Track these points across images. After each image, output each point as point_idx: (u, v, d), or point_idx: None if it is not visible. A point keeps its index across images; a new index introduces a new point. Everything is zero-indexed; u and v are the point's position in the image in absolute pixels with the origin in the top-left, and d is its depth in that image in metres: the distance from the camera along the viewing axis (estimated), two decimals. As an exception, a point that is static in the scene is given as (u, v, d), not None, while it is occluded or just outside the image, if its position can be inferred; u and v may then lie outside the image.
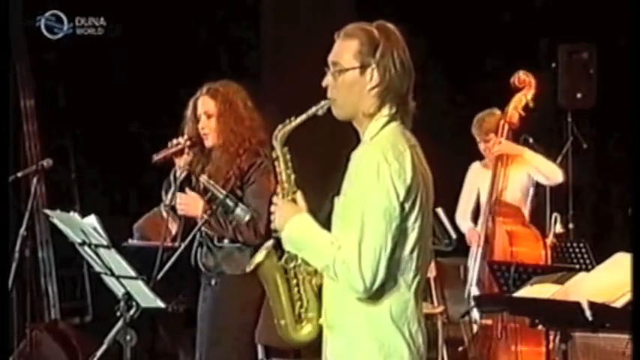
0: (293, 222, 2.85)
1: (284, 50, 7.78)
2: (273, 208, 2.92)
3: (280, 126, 2.95)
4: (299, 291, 3.05)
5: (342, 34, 2.85)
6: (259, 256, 3.12)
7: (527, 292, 3.98)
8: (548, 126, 7.22)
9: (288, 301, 3.07)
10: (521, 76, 6.01)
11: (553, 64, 7.29)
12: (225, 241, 4.58)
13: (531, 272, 4.53)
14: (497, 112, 6.02)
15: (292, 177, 2.97)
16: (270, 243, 3.14)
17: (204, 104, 4.64)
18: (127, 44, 7.29)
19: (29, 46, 7.01)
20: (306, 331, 3.06)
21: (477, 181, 6.15)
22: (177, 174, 4.63)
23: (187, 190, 4.62)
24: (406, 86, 2.83)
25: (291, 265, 3.03)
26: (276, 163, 2.98)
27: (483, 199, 6.06)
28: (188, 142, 4.61)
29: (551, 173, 5.92)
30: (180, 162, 4.62)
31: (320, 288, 2.99)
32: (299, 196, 2.95)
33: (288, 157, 2.98)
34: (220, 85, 4.66)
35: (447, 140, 6.76)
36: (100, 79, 7.32)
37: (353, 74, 2.81)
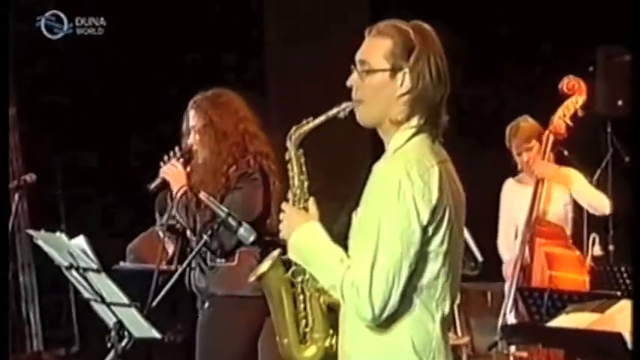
0: (301, 230, 2.85)
1: (289, 54, 7.94)
2: (281, 216, 2.92)
3: (296, 126, 2.96)
4: (305, 308, 3.05)
5: (374, 31, 2.83)
6: (264, 266, 3.12)
7: (563, 321, 3.99)
8: (585, 137, 7.19)
9: (292, 318, 3.06)
10: (571, 81, 6.02)
11: (591, 68, 7.28)
12: (218, 260, 4.64)
13: (567, 299, 4.53)
14: (530, 119, 6.03)
15: (305, 183, 2.97)
16: (276, 252, 3.14)
17: (192, 119, 4.76)
18: (128, 45, 7.56)
19: (28, 46, 7.26)
20: (310, 352, 3.05)
21: (514, 199, 6.12)
22: (174, 192, 4.69)
23: (173, 160, 4.69)
24: (440, 96, 2.81)
25: (299, 279, 3.02)
26: (288, 166, 2.99)
27: (520, 220, 6.05)
28: (181, 160, 4.72)
29: (599, 206, 5.92)
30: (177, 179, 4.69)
31: (329, 307, 3.02)
32: (311, 204, 2.94)
33: (302, 160, 2.98)
34: (206, 98, 4.76)
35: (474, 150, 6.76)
36: (98, 80, 7.60)
37: (382, 77, 2.80)
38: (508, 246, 6.10)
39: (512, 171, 6.18)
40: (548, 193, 5.94)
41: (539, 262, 5.82)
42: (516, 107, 6.54)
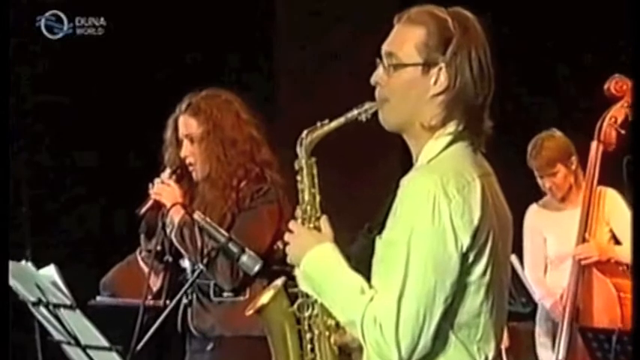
0: (313, 255, 2.81)
1: (300, 54, 8.28)
2: (288, 237, 2.89)
3: (308, 130, 2.94)
4: (313, 349, 3.03)
5: (405, 17, 2.80)
6: (265, 297, 3.14)
7: (635, 368, 3.95)
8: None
9: (297, 360, 3.04)
10: (619, 82, 5.93)
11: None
12: (225, 294, 4.62)
13: (640, 342, 4.48)
14: (558, 133, 6.04)
15: (317, 198, 2.95)
16: (280, 281, 3.15)
17: (186, 125, 4.73)
18: (128, 45, 8.05)
19: (28, 46, 7.86)
20: None
21: (541, 228, 6.16)
22: (165, 212, 4.69)
23: (164, 178, 4.71)
24: (482, 97, 2.77)
25: (306, 313, 3.01)
26: (298, 178, 2.97)
27: (551, 251, 6.12)
28: (173, 177, 4.72)
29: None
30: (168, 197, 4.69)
31: (341, 348, 2.99)
32: (324, 222, 2.91)
33: (314, 171, 2.96)
34: (203, 99, 4.75)
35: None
36: (98, 80, 8.09)
37: (413, 72, 2.76)
38: (539, 281, 6.13)
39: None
40: (597, 218, 5.94)
41: (605, 296, 5.79)
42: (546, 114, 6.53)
